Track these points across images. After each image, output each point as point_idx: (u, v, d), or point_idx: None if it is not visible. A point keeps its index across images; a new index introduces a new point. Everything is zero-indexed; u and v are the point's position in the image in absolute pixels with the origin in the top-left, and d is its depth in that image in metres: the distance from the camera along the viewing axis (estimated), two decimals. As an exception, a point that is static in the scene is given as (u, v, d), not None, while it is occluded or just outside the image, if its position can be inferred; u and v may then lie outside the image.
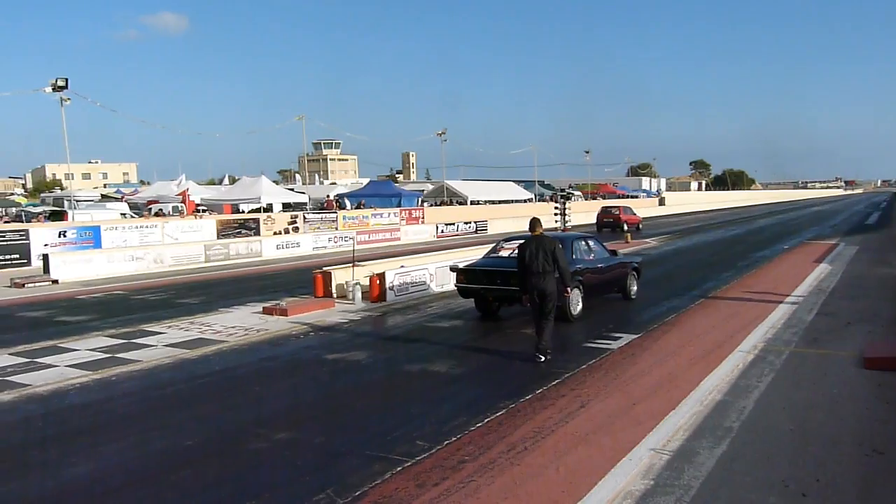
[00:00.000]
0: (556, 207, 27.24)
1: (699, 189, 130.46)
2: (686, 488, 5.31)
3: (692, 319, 12.40)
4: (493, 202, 57.53)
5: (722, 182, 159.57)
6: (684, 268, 21.54)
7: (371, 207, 41.84)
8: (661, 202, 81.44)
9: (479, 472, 5.67)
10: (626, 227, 37.27)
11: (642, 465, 5.76)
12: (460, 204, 54.67)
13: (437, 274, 16.24)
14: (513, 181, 70.08)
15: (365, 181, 68.67)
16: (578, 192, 72.74)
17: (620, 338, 10.76)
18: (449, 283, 16.55)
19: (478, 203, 55.78)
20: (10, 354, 10.36)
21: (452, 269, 13.33)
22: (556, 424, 6.83)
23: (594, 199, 75.32)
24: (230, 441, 6.65)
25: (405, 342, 11.13)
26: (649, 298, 14.61)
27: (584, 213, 47.83)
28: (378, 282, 14.61)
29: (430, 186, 68.39)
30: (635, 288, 14.42)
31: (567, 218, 26.65)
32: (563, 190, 31.29)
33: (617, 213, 40.93)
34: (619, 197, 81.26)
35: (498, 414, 7.17)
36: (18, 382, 8.77)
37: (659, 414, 7.02)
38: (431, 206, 50.81)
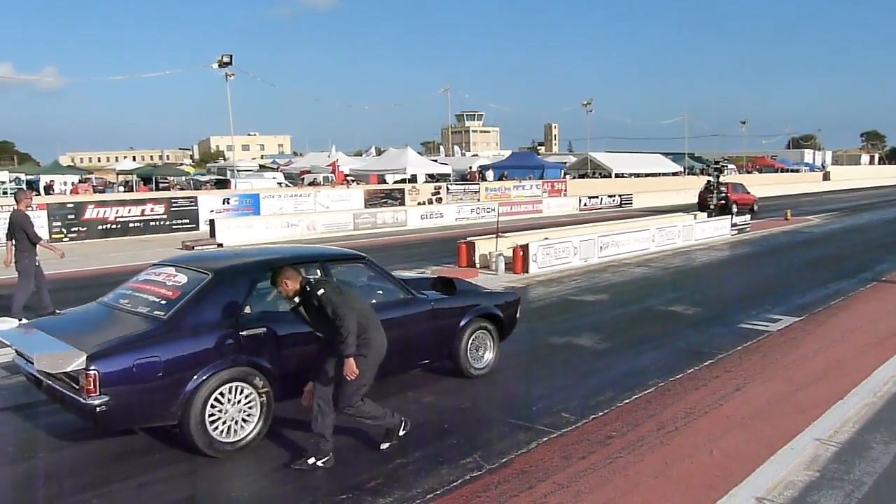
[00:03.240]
0: (708, 181, 25.89)
1: (871, 163, 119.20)
2: (857, 483, 4.92)
3: (863, 304, 11.42)
4: (638, 175, 55.66)
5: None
6: (853, 248, 19.83)
7: (513, 179, 41.73)
8: (826, 177, 75.33)
9: (627, 449, 5.54)
10: (735, 208, 30.35)
11: (806, 455, 5.39)
12: (604, 177, 53.36)
13: (581, 247, 15.98)
14: (660, 153, 67.39)
15: (506, 153, 68.54)
16: (732, 166, 68.67)
17: (780, 320, 10.10)
18: (594, 256, 16.29)
19: (622, 176, 54.19)
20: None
21: None
22: (708, 406, 6.54)
23: (749, 172, 70.91)
24: (379, 399, 6.88)
25: (549, 314, 11.05)
26: (812, 279, 13.60)
27: (737, 187, 45.25)
28: (521, 253, 14.59)
29: (573, 158, 67.19)
30: (489, 356, 7.53)
31: (722, 191, 25.28)
32: (716, 162, 29.54)
33: (724, 190, 33.97)
34: (776, 171, 76.12)
35: (647, 391, 6.98)
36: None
37: (824, 402, 6.53)
38: (574, 178, 49.94)
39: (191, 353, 5.39)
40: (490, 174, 46.61)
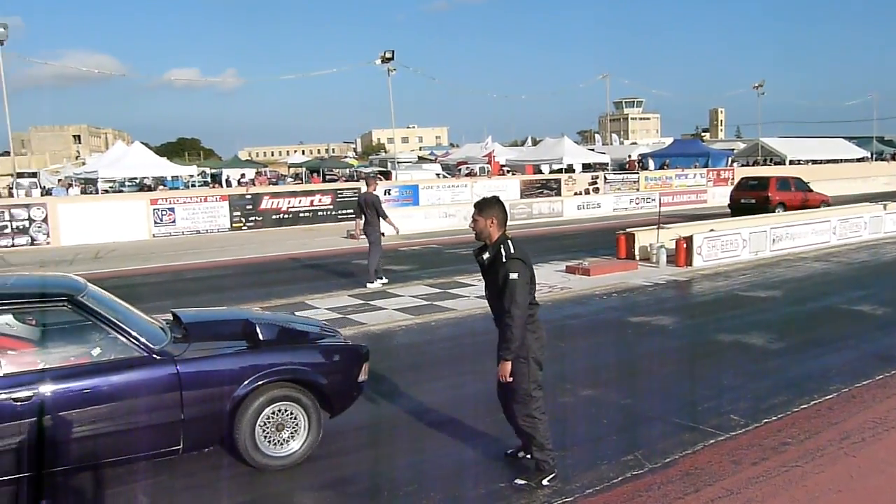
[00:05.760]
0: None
1: None
2: None
3: None
4: (816, 162, 51.38)
5: None
6: None
7: (675, 168, 39.98)
8: None
9: (805, 458, 5.14)
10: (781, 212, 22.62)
11: None
12: (777, 164, 49.76)
13: (750, 240, 15.02)
14: (842, 138, 61.79)
15: (667, 140, 65.71)
16: (930, 150, 61.53)
17: None
18: (765, 249, 15.28)
19: (798, 163, 50.26)
20: (349, 296, 11.91)
21: None
22: (902, 417, 5.91)
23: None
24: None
25: (715, 310, 10.49)
26: None
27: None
28: (685, 245, 13.95)
29: (742, 145, 63.21)
30: (299, 441, 5.21)
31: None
32: (910, 147, 26.29)
33: (763, 188, 24.41)
34: None
35: (827, 397, 6.42)
36: (357, 321, 10.05)
37: None
38: (743, 165, 46.99)
39: None
40: (650, 163, 44.95)
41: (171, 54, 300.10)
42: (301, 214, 26.36)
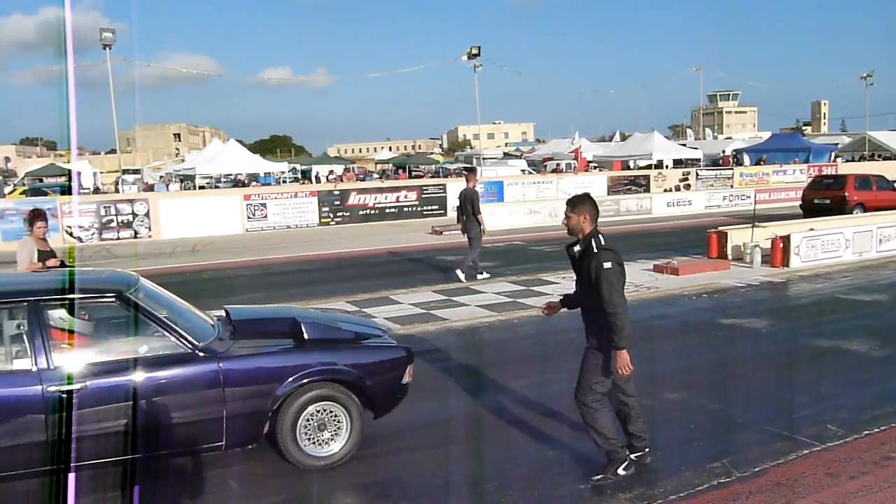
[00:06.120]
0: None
1: None
2: None
3: None
4: (932, 156, 48.07)
5: None
6: None
7: (773, 163, 38.28)
8: None
9: (911, 474, 4.83)
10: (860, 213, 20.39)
11: None
12: (885, 159, 46.88)
13: (854, 240, 14.22)
14: (961, 130, 57.54)
15: (765, 135, 62.92)
16: None
17: None
18: (871, 250, 14.44)
19: (909, 158, 47.15)
20: (432, 291, 12.00)
21: None
22: None
23: None
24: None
25: (813, 314, 10.00)
26: None
27: None
28: (781, 245, 13.34)
29: (847, 139, 59.88)
30: (340, 442, 5.19)
31: None
32: None
33: (840, 187, 22.31)
34: None
35: (938, 410, 6.01)
36: (440, 316, 10.12)
37: None
38: (847, 161, 44.51)
39: None
40: (747, 158, 43.17)
41: (265, 55, 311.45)
42: (387, 210, 26.76)
